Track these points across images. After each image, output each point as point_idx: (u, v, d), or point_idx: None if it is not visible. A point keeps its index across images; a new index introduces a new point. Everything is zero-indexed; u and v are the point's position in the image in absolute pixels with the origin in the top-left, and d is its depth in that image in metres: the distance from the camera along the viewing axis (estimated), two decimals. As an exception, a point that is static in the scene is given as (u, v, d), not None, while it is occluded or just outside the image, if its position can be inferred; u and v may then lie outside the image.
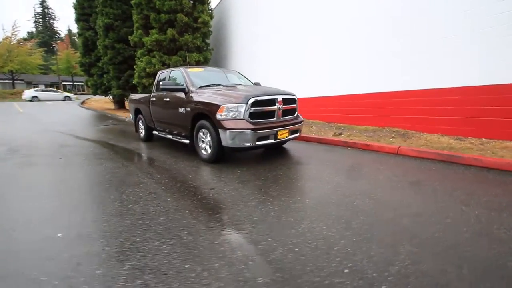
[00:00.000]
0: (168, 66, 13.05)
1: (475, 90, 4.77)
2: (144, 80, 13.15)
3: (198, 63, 13.42)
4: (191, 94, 4.65)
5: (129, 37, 13.46)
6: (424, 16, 5.52)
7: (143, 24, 13.22)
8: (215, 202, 2.76)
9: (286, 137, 4.47)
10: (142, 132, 7.01)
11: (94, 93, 18.84)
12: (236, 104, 3.97)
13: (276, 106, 4.30)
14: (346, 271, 1.62)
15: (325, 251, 1.83)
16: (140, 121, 7.03)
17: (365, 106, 6.96)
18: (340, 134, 6.51)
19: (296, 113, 4.87)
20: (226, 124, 3.97)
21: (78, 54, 44.13)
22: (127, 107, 19.91)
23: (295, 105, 4.74)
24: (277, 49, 10.46)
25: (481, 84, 4.65)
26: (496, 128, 4.59)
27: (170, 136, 5.62)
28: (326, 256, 1.77)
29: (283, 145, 5.46)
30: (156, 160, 4.71)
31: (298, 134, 4.79)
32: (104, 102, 23.78)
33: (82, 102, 24.37)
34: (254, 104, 4.05)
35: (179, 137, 5.32)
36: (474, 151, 4.26)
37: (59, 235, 2.13)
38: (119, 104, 19.35)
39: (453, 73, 5.09)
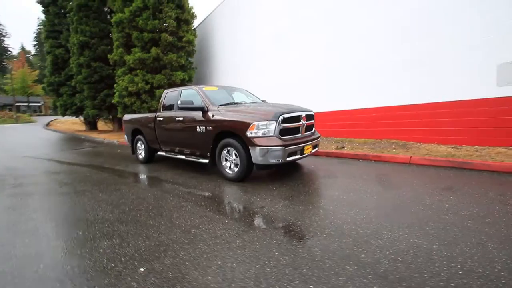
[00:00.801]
0: (152, 85, 12.72)
1: (468, 104, 5.41)
2: (126, 100, 12.62)
3: (182, 82, 13.30)
4: (212, 113, 4.61)
5: (108, 55, 12.94)
6: (421, 31, 6.21)
7: (124, 43, 12.85)
8: (278, 220, 2.72)
9: (310, 152, 4.61)
10: (142, 154, 6.68)
11: (63, 114, 17.48)
12: (267, 121, 4.03)
13: (301, 123, 4.45)
14: (460, 272, 1.72)
15: (427, 257, 1.92)
16: (139, 142, 6.70)
17: (361, 120, 7.44)
18: (343, 147, 6.84)
19: (314, 128, 5.07)
20: (258, 141, 3.99)
21: (35, 72, 40.90)
22: (100, 128, 18.72)
23: (313, 121, 4.93)
24: (265, 67, 10.78)
25: (473, 98, 5.31)
26: (487, 136, 5.21)
27: (182, 157, 5.44)
28: (432, 261, 1.86)
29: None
30: (175, 182, 4.50)
31: (317, 148, 4.96)
32: (71, 123, 22.10)
33: (47, 124, 22.35)
34: (284, 121, 4.15)
35: (193, 157, 5.18)
36: (474, 157, 4.78)
37: (141, 270, 1.94)
38: (91, 125, 18.15)
39: (447, 89, 5.74)
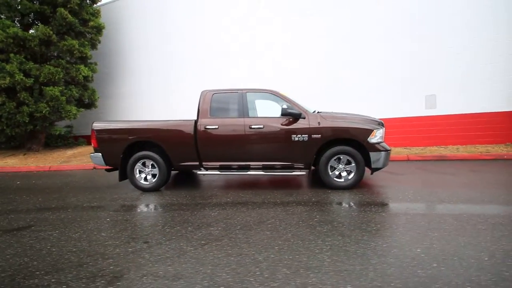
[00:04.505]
0: (36, 78, 8.41)
1: (410, 119, 8.10)
2: (-15, 98, 7.53)
3: (85, 79, 9.78)
4: (318, 120, 4.26)
5: None
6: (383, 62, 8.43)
7: (-26, 5, 7.70)
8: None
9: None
10: (148, 178, 4.65)
11: None
12: (380, 128, 4.38)
13: (379, 130, 5.09)
14: None
15: None
16: (141, 162, 4.61)
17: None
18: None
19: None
20: (379, 147, 4.23)
21: None
22: None
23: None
24: (201, 72, 10.07)
25: (413, 116, 8.04)
26: (425, 140, 8.02)
27: (253, 172, 4.45)
28: None
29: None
30: (287, 202, 3.73)
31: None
32: None
33: None
34: (382, 128, 4.64)
35: (276, 171, 4.44)
36: (428, 153, 7.32)
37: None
38: None
39: (398, 108, 8.24)
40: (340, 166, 4.31)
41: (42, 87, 8.37)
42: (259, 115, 4.69)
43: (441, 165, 6.08)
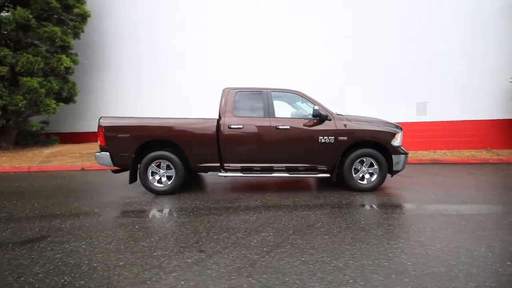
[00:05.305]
0: (12, 67, 7.46)
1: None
2: None
3: (67, 71, 8.89)
4: (343, 122, 4.27)
5: None
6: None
7: None
8: None
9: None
10: (163, 181, 4.30)
11: None
12: (400, 132, 4.51)
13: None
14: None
15: None
16: (155, 163, 4.25)
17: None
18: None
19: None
20: (401, 150, 4.37)
21: None
22: None
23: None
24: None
25: (406, 121, 8.48)
26: (416, 145, 8.49)
27: (276, 174, 4.33)
28: None
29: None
30: (312, 206, 3.69)
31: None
32: None
33: None
34: (398, 131, 4.79)
35: (301, 173, 4.36)
36: (420, 156, 7.76)
37: None
38: None
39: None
40: (364, 168, 4.36)
41: (19, 77, 7.43)
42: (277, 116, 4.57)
43: (438, 168, 6.47)
